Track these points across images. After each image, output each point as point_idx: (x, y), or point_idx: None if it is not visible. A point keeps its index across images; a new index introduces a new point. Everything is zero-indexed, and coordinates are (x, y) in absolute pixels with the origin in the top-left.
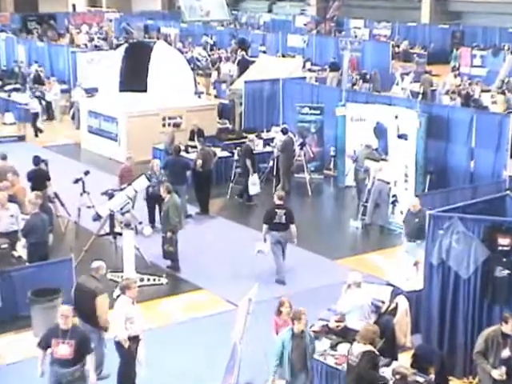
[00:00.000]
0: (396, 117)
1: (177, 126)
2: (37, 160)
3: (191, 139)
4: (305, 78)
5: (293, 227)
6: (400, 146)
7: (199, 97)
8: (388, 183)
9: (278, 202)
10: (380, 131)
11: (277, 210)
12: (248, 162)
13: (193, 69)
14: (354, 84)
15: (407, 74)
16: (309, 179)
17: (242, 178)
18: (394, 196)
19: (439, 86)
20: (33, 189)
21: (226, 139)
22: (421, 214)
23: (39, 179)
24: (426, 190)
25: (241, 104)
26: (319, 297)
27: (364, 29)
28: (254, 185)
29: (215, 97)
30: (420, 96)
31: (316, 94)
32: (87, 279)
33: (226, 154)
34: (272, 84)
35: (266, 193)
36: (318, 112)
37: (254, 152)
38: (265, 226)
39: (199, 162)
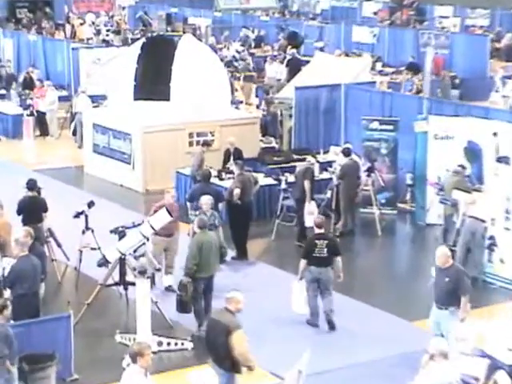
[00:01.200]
0: (495, 134)
1: (207, 144)
2: (32, 184)
3: (226, 162)
4: (374, 82)
5: (338, 261)
6: (500, 173)
7: (237, 107)
8: (483, 221)
9: (317, 230)
10: (473, 153)
11: (316, 241)
12: (307, 185)
13: (229, 71)
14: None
15: (511, 77)
16: (378, 215)
17: (294, 213)
18: (490, 238)
19: None
20: (25, 223)
21: (270, 162)
22: (452, 271)
23: (34, 210)
24: None
25: (290, 117)
26: (391, 370)
27: (453, 18)
28: (312, 214)
29: (257, 108)
30: None
31: (389, 103)
32: (220, 313)
33: (270, 181)
34: (331, 91)
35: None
36: (392, 127)
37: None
38: (302, 262)
39: (237, 191)
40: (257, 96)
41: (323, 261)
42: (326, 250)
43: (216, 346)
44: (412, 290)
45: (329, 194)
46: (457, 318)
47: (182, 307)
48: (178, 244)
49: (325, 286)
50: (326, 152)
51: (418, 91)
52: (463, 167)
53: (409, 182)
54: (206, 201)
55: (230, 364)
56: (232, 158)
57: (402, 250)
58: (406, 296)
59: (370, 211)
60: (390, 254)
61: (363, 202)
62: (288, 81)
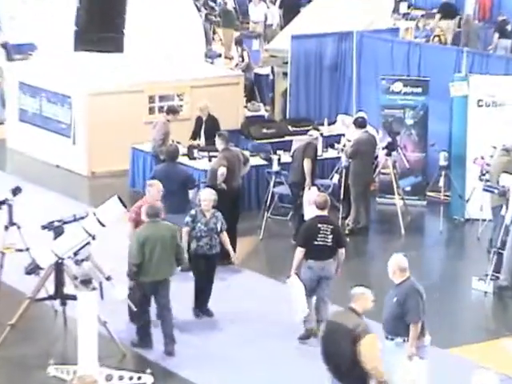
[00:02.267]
0: None
1: (173, 112)
2: None
3: (195, 135)
4: (397, 29)
5: (342, 254)
6: None
7: (212, 62)
8: None
9: (319, 212)
10: None
11: (319, 226)
12: (307, 166)
13: (203, 14)
14: None
15: None
16: (401, 206)
17: (289, 204)
18: None
19: None
20: None
21: (258, 136)
22: (403, 288)
23: None
24: None
25: (285, 76)
26: None
27: None
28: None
29: (239, 63)
30: None
31: (416, 57)
32: (343, 314)
33: (257, 161)
34: (339, 41)
35: None
36: (420, 90)
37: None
38: (299, 251)
39: (221, 170)
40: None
41: (327, 252)
42: (330, 237)
43: (337, 357)
44: (448, 308)
45: (336, 179)
46: (403, 352)
47: (131, 316)
48: None
49: (325, 286)
50: (331, 123)
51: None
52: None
53: (442, 162)
54: (207, 196)
55: (356, 379)
56: (203, 129)
57: (433, 255)
58: (439, 315)
59: (391, 202)
60: (416, 259)
61: (381, 190)
62: (282, 27)
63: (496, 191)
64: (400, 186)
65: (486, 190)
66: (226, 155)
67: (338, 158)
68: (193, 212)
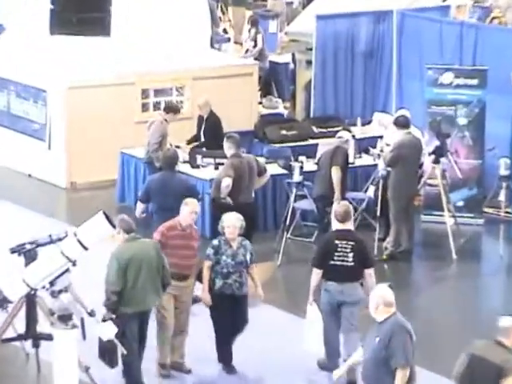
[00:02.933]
0: None
1: (172, 110)
2: None
3: (195, 137)
4: (448, 7)
5: (369, 274)
6: None
7: (219, 48)
8: None
9: (338, 225)
10: None
11: (337, 242)
12: (336, 175)
13: None
14: None
15: None
16: (452, 226)
17: (314, 222)
18: None
19: None
20: None
21: (275, 139)
22: (386, 327)
23: None
24: None
25: (309, 65)
26: None
27: None
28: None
29: (253, 48)
30: None
31: (471, 42)
32: (489, 348)
33: (275, 169)
34: (375, 22)
35: None
36: (476, 82)
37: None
38: (315, 273)
39: (226, 182)
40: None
41: (347, 273)
42: (351, 255)
43: None
44: None
45: (371, 192)
46: None
47: (104, 356)
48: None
49: (349, 315)
50: (366, 123)
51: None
52: None
53: (503, 172)
54: (232, 221)
55: None
56: (203, 130)
57: (492, 285)
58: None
59: (439, 220)
60: (472, 291)
61: (427, 205)
62: (305, 5)
63: None
64: (451, 201)
65: None
66: (234, 163)
67: (375, 166)
68: (215, 242)
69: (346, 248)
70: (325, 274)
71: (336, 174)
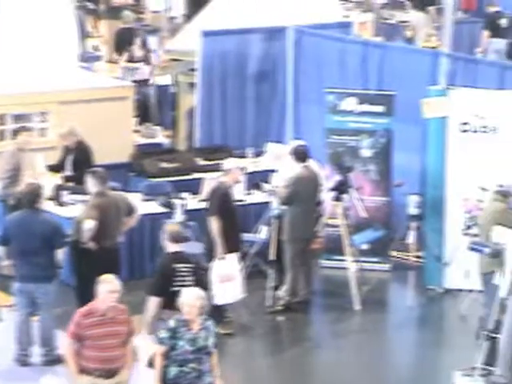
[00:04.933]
0: None
1: (23, 131)
2: None
3: (59, 169)
4: (349, 24)
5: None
6: None
7: (90, 68)
8: None
9: (173, 247)
10: None
11: (175, 266)
12: (213, 227)
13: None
14: None
15: None
16: (355, 272)
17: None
18: None
19: None
20: None
21: (154, 173)
22: None
23: None
24: None
25: (192, 87)
26: None
27: None
28: (227, 281)
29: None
30: None
31: (376, 63)
32: None
33: (153, 208)
34: (270, 39)
35: (254, 305)
36: (381, 109)
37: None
38: (154, 302)
39: (89, 225)
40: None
41: None
42: (192, 278)
43: None
44: None
45: (264, 234)
46: None
47: None
48: None
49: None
50: (258, 154)
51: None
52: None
53: (413, 211)
54: (190, 299)
55: None
56: (71, 161)
57: (399, 340)
58: None
59: (341, 265)
60: (377, 346)
61: (327, 249)
62: (188, 18)
63: (487, 251)
64: (354, 244)
65: (474, 250)
66: (99, 202)
67: (268, 204)
68: (172, 323)
69: (185, 271)
70: (166, 301)
71: (213, 224)
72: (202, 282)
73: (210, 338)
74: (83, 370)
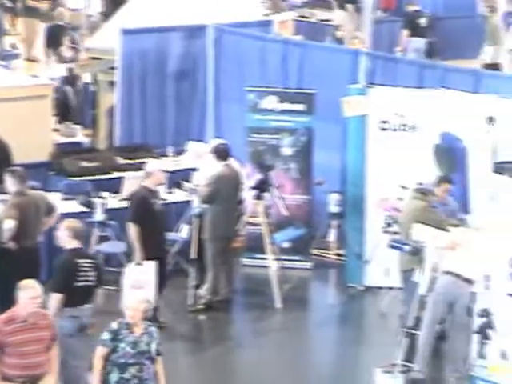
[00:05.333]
0: (490, 120)
1: None
2: None
3: None
4: (269, 22)
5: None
6: (501, 193)
7: (8, 66)
8: (470, 282)
9: (72, 243)
10: (450, 156)
11: (77, 261)
12: (132, 232)
13: None
14: None
15: None
16: (277, 270)
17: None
18: (484, 315)
19: None
20: None
21: (74, 172)
22: None
23: None
24: None
25: (111, 86)
26: None
27: None
28: (142, 289)
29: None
30: None
31: (296, 62)
32: None
33: (73, 207)
34: (188, 38)
35: (176, 303)
36: (302, 107)
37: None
38: (56, 298)
39: (8, 224)
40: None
41: (89, 294)
42: (93, 274)
43: None
44: None
45: (185, 233)
46: None
47: None
48: None
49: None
50: (179, 153)
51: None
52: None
53: (333, 209)
54: (133, 304)
55: None
56: None
57: (320, 337)
58: None
59: (262, 264)
60: (297, 343)
61: (249, 247)
62: (106, 16)
63: (407, 248)
64: (275, 242)
65: (394, 248)
66: (19, 202)
67: (189, 203)
68: (114, 326)
69: (85, 265)
70: (68, 298)
71: (131, 230)
72: (101, 277)
73: (152, 343)
74: (6, 378)
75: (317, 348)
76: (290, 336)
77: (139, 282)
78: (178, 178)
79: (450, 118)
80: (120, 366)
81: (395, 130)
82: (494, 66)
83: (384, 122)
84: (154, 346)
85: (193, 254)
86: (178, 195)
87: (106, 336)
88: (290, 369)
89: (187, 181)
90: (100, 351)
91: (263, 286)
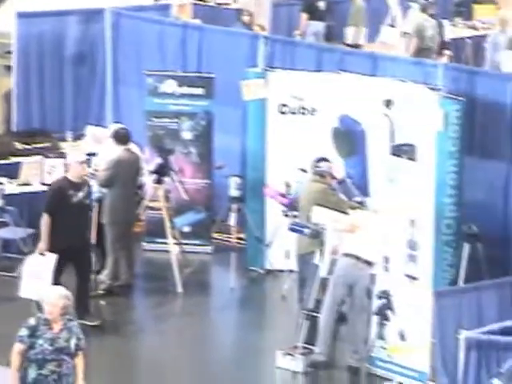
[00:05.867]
0: (388, 103)
1: None
2: None
3: None
4: (166, 6)
5: None
6: (399, 175)
7: None
8: (369, 264)
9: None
10: (349, 138)
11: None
12: (44, 221)
13: None
14: None
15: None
16: (177, 254)
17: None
18: (383, 296)
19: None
20: None
21: None
22: None
23: None
24: (462, 280)
25: (8, 70)
26: None
27: None
28: (39, 280)
29: None
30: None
31: (195, 46)
32: None
33: None
34: (86, 22)
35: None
36: (201, 91)
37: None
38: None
39: None
40: None
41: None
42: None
43: None
44: None
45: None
46: None
47: None
48: None
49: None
50: (78, 138)
51: None
52: (330, 166)
53: (234, 193)
54: (52, 299)
55: None
56: None
57: (221, 321)
58: None
59: (163, 248)
60: (199, 327)
61: (149, 232)
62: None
63: (307, 231)
64: (175, 226)
65: (294, 230)
66: None
67: (87, 189)
68: (32, 322)
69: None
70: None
71: (42, 219)
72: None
73: (72, 339)
74: None
75: (218, 332)
76: (191, 320)
77: (36, 273)
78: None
79: (349, 101)
80: (38, 363)
81: (294, 113)
82: (355, 47)
83: (283, 105)
84: (73, 342)
85: (92, 239)
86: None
87: (23, 332)
88: (191, 353)
89: (89, 166)
90: (17, 347)
91: (164, 270)
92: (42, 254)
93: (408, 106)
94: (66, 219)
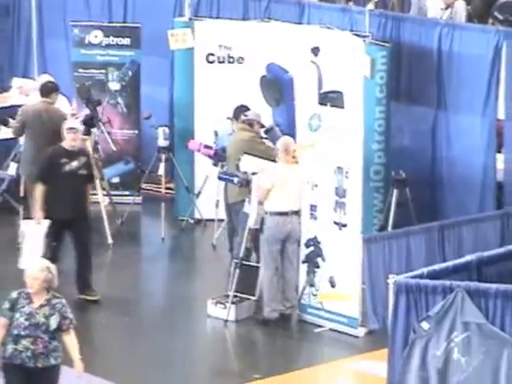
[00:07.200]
0: (315, 50)
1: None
2: None
3: None
4: None
5: None
6: (326, 121)
7: None
8: (298, 214)
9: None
10: (276, 86)
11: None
12: (37, 189)
13: None
14: None
15: None
16: (107, 206)
17: None
18: (312, 244)
19: None
20: None
21: None
22: None
23: None
24: (390, 225)
25: None
26: None
27: None
28: (35, 244)
29: None
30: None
31: None
32: None
33: None
34: None
35: (5, 242)
36: (128, 41)
37: None
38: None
39: None
40: None
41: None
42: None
43: None
44: (168, 347)
45: (13, 170)
46: None
47: None
48: None
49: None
50: (4, 90)
51: None
52: (257, 114)
53: (162, 143)
54: (32, 272)
55: None
56: None
57: (152, 271)
58: (155, 358)
59: (93, 199)
60: (130, 278)
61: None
62: None
63: (235, 180)
64: (104, 177)
65: (222, 179)
66: None
67: (15, 140)
68: (14, 295)
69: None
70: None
71: (36, 188)
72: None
73: (53, 316)
74: None
75: (149, 282)
76: (122, 271)
77: (29, 240)
78: (4, 115)
79: (276, 50)
80: (14, 338)
81: (222, 62)
82: None
83: (210, 54)
84: (55, 320)
85: (22, 192)
86: (4, 132)
87: (5, 305)
88: (122, 304)
89: (13, 118)
90: (1, 320)
91: (94, 222)
92: (38, 223)
93: (335, 53)
94: (57, 188)
